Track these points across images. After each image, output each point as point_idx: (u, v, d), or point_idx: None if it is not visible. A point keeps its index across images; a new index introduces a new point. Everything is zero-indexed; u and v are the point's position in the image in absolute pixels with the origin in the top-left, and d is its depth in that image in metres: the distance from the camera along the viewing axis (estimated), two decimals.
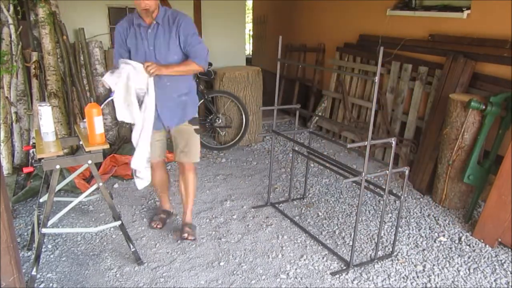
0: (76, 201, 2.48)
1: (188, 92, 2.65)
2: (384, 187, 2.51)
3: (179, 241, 2.81)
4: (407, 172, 2.48)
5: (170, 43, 2.45)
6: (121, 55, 2.51)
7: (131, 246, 2.53)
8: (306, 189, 3.55)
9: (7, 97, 3.74)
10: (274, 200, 3.41)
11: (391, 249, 2.72)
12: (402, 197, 2.53)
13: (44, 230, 2.28)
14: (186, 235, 2.74)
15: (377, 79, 2.15)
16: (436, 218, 3.17)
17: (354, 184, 3.58)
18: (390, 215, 3.20)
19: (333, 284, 2.41)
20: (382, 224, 2.62)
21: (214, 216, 3.17)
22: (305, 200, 3.45)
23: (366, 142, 2.31)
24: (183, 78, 2.57)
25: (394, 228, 2.98)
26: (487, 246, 2.78)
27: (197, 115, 2.74)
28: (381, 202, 3.31)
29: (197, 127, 2.72)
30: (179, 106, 2.62)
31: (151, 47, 2.46)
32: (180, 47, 2.48)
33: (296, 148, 3.50)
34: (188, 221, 2.86)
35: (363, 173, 2.34)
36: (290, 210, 3.28)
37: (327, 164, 2.97)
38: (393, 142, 2.37)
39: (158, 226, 2.94)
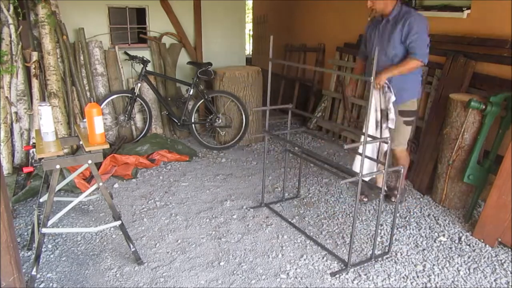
0: (76, 201, 2.48)
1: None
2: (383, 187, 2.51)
3: (179, 241, 2.82)
4: (402, 170, 2.50)
5: (392, 38, 2.84)
6: (364, 44, 3.13)
7: (131, 246, 2.53)
8: (301, 189, 3.54)
9: (7, 97, 3.75)
10: (276, 199, 3.41)
11: (390, 249, 2.72)
12: (398, 195, 2.53)
13: (44, 230, 2.28)
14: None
15: (372, 79, 2.16)
16: (436, 218, 3.17)
17: (351, 184, 3.58)
18: (390, 215, 3.20)
19: (333, 284, 2.41)
20: (380, 223, 2.62)
21: (214, 216, 3.17)
22: (298, 199, 3.44)
23: (362, 142, 2.31)
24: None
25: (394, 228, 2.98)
26: (487, 246, 2.78)
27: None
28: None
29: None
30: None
31: (378, 39, 2.92)
32: (402, 43, 2.83)
33: (293, 148, 3.50)
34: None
35: (360, 173, 2.34)
36: (290, 210, 3.28)
37: (319, 163, 2.97)
38: (389, 141, 2.39)
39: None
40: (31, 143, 3.85)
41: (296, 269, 2.54)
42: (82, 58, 4.31)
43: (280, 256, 2.67)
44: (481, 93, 3.31)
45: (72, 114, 4.14)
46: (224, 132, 4.71)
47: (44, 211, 2.30)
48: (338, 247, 2.78)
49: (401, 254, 2.70)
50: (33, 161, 3.77)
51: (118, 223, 2.50)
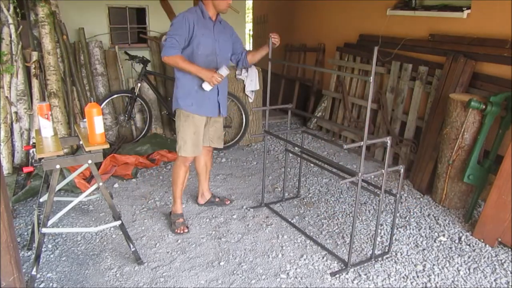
0: (76, 200, 2.48)
1: None
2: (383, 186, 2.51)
3: (179, 241, 2.82)
4: (402, 170, 2.50)
5: (229, 41, 2.90)
6: (178, 41, 2.65)
7: (131, 246, 2.53)
8: (301, 189, 3.54)
9: (7, 97, 3.75)
10: (276, 199, 3.41)
11: (390, 249, 2.72)
12: (398, 195, 2.53)
13: (44, 230, 2.28)
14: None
15: (372, 79, 2.16)
16: (436, 217, 3.17)
17: (351, 184, 3.58)
18: (390, 215, 3.20)
19: (333, 284, 2.41)
20: (380, 223, 2.62)
21: (214, 216, 3.17)
22: (298, 199, 3.44)
23: (362, 143, 2.31)
24: None
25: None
26: (487, 245, 2.78)
27: None
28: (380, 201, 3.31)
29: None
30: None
31: (215, 40, 2.79)
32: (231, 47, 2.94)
33: (293, 148, 3.50)
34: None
35: (360, 173, 2.34)
36: (290, 210, 3.28)
37: (319, 163, 2.96)
38: (388, 141, 2.39)
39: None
40: (31, 143, 3.85)
41: (296, 269, 2.54)
42: (82, 58, 4.31)
43: (280, 256, 2.67)
44: (481, 93, 3.32)
45: (72, 114, 4.14)
46: (224, 132, 4.70)
47: (44, 211, 2.30)
48: (338, 247, 2.78)
49: (401, 254, 2.70)
50: (33, 161, 3.77)
51: (118, 223, 2.50)
